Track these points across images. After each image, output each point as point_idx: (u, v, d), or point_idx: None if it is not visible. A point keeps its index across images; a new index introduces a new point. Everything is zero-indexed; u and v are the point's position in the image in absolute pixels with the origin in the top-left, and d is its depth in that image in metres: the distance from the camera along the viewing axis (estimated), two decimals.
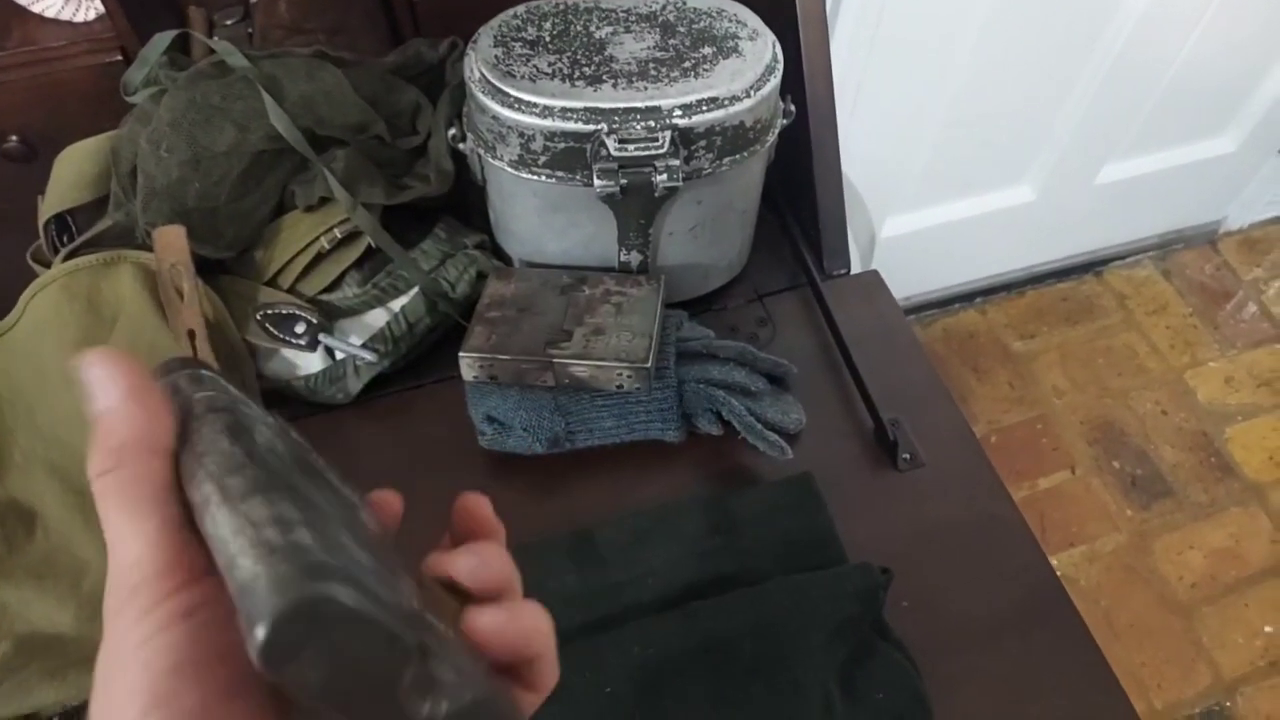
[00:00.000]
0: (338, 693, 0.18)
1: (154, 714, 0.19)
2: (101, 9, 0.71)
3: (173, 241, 0.60)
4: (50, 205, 0.65)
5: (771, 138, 0.68)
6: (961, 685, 0.57)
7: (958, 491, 0.66)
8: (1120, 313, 1.70)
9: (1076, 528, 1.44)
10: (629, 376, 0.61)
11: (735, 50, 0.65)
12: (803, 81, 0.72)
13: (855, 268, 0.80)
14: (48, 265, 0.65)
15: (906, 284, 1.61)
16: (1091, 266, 1.75)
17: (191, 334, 0.60)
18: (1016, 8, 1.16)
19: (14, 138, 0.72)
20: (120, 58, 0.72)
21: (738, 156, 0.65)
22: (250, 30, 0.77)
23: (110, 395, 0.23)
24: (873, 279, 0.78)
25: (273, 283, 0.65)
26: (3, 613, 0.58)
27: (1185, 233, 1.78)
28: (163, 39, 0.68)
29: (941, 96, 1.25)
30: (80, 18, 0.73)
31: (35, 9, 0.73)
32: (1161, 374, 1.61)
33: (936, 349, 1.63)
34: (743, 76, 0.63)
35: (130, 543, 0.22)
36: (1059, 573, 1.42)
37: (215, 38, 0.74)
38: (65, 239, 0.65)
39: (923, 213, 1.47)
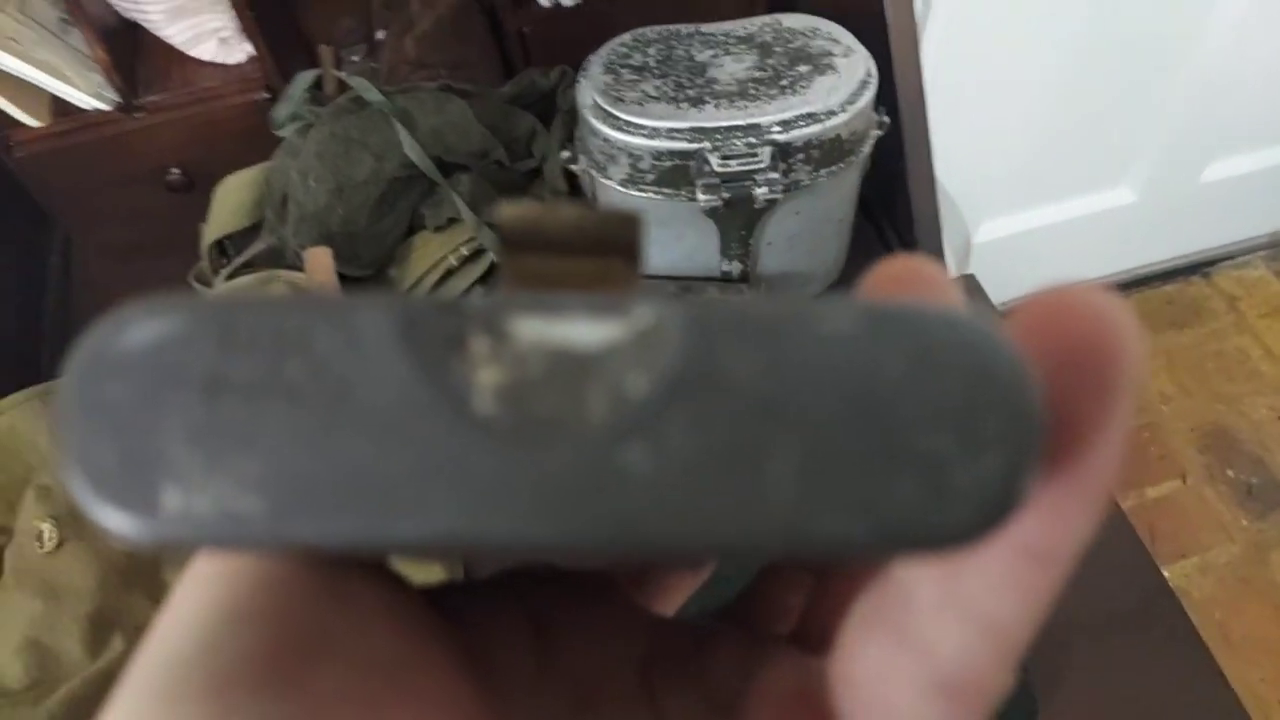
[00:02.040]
0: None
1: None
2: (250, 50, 0.79)
3: (321, 262, 0.67)
4: (213, 230, 0.73)
5: (866, 149, 0.71)
6: (1068, 679, 0.58)
7: None
8: (1231, 315, 1.64)
9: (1188, 538, 1.40)
10: None
11: (830, 67, 0.68)
12: (895, 93, 0.75)
13: (951, 273, 0.81)
14: (209, 285, 0.72)
15: (1004, 289, 1.60)
16: (1199, 268, 1.70)
17: None
18: (1111, 1, 1.15)
19: (176, 170, 0.80)
20: (266, 95, 0.79)
21: (834, 168, 0.68)
22: (375, 65, 0.84)
23: None
24: (969, 283, 0.80)
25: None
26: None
27: None
28: (304, 78, 0.75)
29: (1036, 97, 1.25)
30: (232, 60, 0.81)
31: (193, 53, 0.81)
32: (1276, 379, 1.56)
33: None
34: (838, 92, 0.66)
35: None
36: (1171, 584, 1.37)
37: (347, 73, 0.81)
38: (224, 261, 0.73)
39: (1020, 216, 1.45)
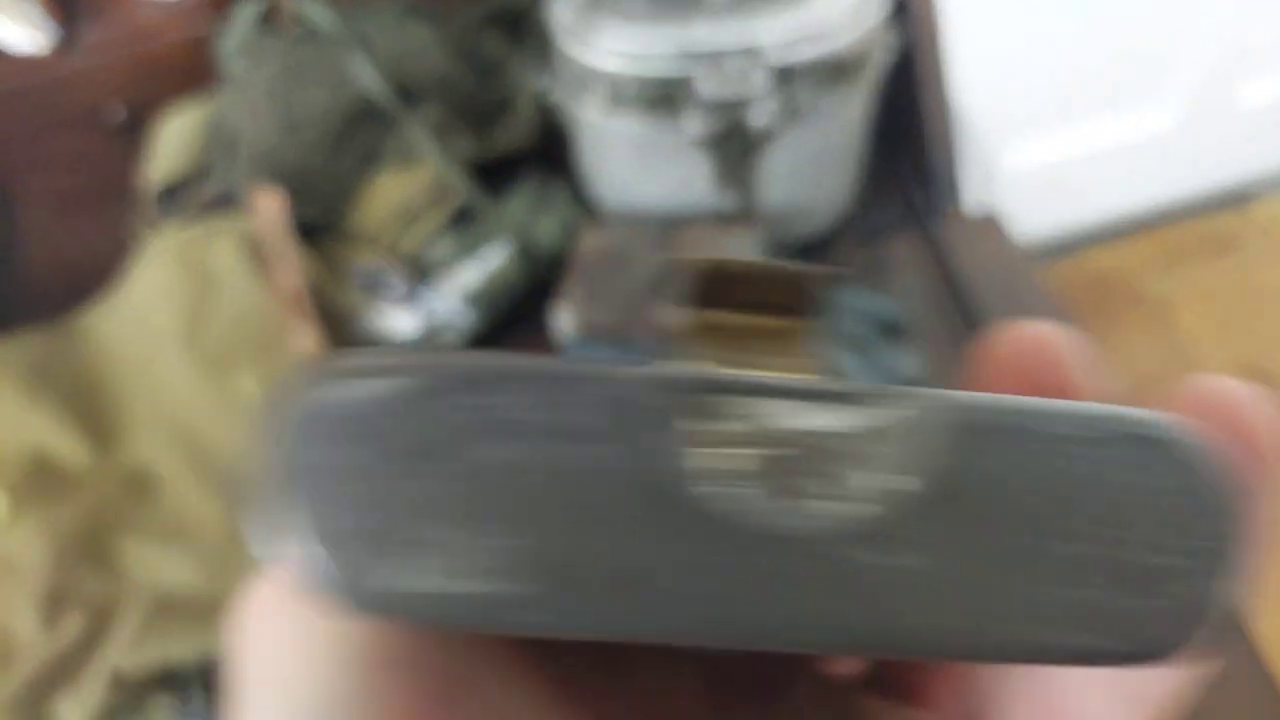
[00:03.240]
0: None
1: None
2: None
3: (272, 206, 0.61)
4: (155, 176, 0.68)
5: (875, 71, 0.64)
6: None
7: None
8: (1269, 249, 1.56)
9: None
10: None
11: None
12: (909, 9, 0.68)
13: (973, 204, 0.75)
14: (155, 234, 0.67)
15: (1031, 221, 1.53)
16: (1235, 199, 1.62)
17: (293, 295, 0.61)
18: None
19: (119, 110, 0.74)
20: (214, 29, 0.73)
21: (839, 92, 0.61)
22: None
23: None
24: (991, 217, 0.74)
25: (369, 243, 0.66)
26: (138, 570, 0.61)
27: None
28: (250, 6, 0.68)
29: (1064, 11, 1.17)
30: None
31: None
32: None
33: (1064, 291, 1.54)
34: (841, 4, 0.59)
35: None
36: None
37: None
38: (170, 208, 0.67)
39: (1048, 143, 1.38)
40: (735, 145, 0.62)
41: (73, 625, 0.57)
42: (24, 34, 0.70)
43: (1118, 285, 1.55)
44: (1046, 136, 1.37)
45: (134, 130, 0.71)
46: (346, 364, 0.11)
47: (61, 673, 0.56)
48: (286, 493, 0.11)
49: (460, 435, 0.11)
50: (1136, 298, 1.53)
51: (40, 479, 0.61)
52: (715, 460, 0.11)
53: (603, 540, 0.11)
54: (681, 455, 0.11)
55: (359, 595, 0.11)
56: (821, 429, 0.11)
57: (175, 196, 0.67)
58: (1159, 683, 0.13)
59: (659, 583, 0.11)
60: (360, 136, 0.64)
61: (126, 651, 0.57)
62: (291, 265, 0.62)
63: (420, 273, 0.65)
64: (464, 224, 0.66)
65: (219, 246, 0.63)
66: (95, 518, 0.61)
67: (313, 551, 0.11)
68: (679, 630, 0.11)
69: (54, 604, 0.58)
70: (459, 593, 0.11)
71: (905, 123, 0.74)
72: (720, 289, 0.14)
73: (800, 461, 0.11)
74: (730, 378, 0.12)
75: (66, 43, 0.72)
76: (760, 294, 0.14)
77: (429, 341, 0.66)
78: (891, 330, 0.65)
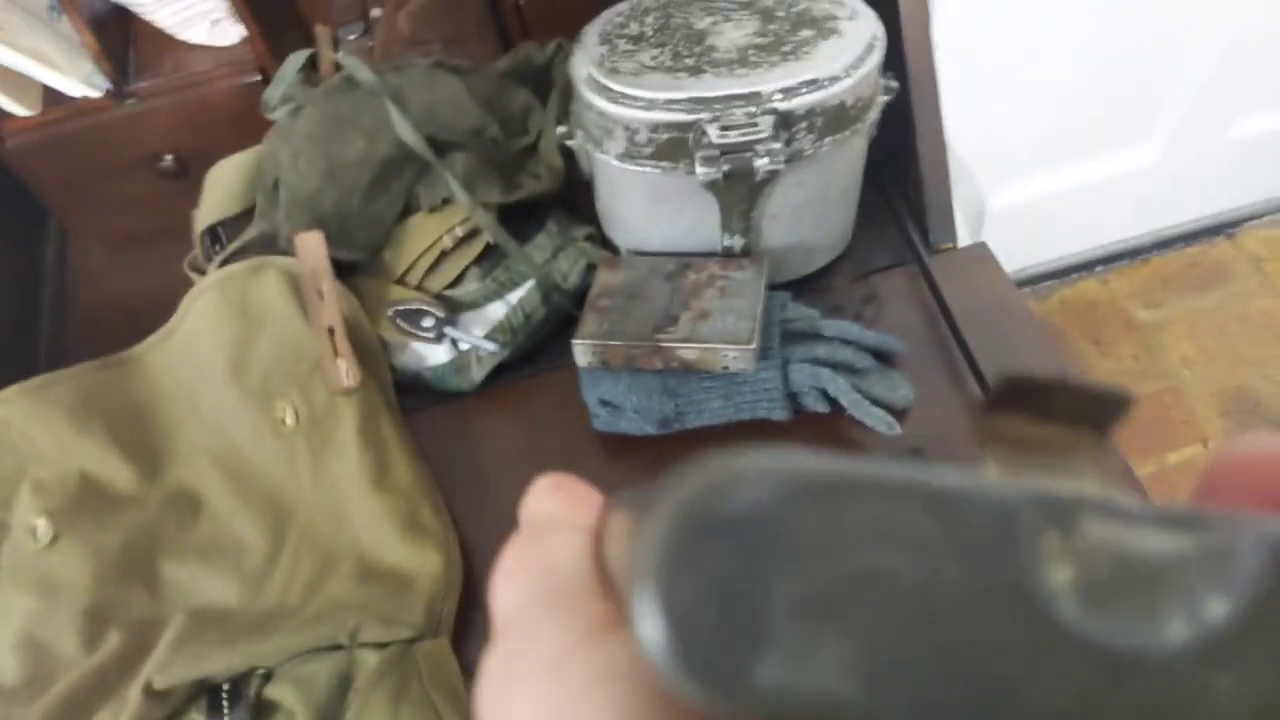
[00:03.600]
0: None
1: None
2: (243, 32, 0.77)
3: (312, 247, 0.65)
4: (203, 218, 0.72)
5: (873, 115, 0.68)
6: None
7: None
8: (1256, 277, 1.60)
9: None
10: (734, 358, 0.63)
11: (835, 31, 0.65)
12: (904, 56, 0.72)
13: (964, 241, 0.79)
14: (203, 272, 0.71)
15: (1022, 255, 1.57)
16: (1223, 229, 1.66)
17: (331, 331, 0.65)
18: None
19: (168, 157, 0.79)
20: (259, 78, 0.78)
21: (839, 136, 0.66)
22: (372, 44, 0.82)
23: None
24: (981, 251, 0.78)
25: (401, 281, 0.70)
26: (177, 589, 0.63)
27: None
28: (296, 58, 0.73)
29: (1054, 54, 1.21)
30: (224, 42, 0.80)
31: (183, 36, 0.80)
32: None
33: (1055, 321, 1.58)
34: (842, 57, 0.63)
35: None
36: None
37: (341, 53, 0.79)
38: (217, 248, 0.72)
39: (1038, 180, 1.42)
40: (741, 188, 0.66)
41: (113, 642, 0.58)
42: (79, 84, 0.75)
43: (1108, 313, 1.59)
44: (1040, 172, 1.41)
45: (185, 174, 0.75)
46: (731, 466, 0.12)
47: (100, 688, 0.57)
48: (663, 586, 0.11)
49: (842, 542, 0.11)
50: (1127, 324, 1.56)
51: (84, 503, 0.63)
52: (1078, 578, 0.12)
53: (972, 647, 0.11)
54: (1051, 573, 0.12)
55: (736, 688, 0.11)
56: (1165, 552, 0.12)
57: (223, 237, 0.72)
58: None
59: (1020, 694, 0.11)
60: (396, 182, 0.69)
61: (165, 667, 0.58)
62: (331, 302, 0.66)
63: (450, 308, 0.69)
64: (491, 263, 0.70)
65: (263, 284, 0.67)
66: (138, 539, 0.63)
67: (691, 643, 0.11)
68: None
69: (94, 622, 0.59)
70: (835, 691, 0.11)
71: (900, 162, 0.78)
72: (1025, 399, 0.14)
73: (1145, 581, 0.12)
74: (1102, 500, 0.12)
75: (121, 91, 0.77)
76: (1060, 406, 0.14)
77: (457, 370, 0.70)
78: (885, 360, 0.69)
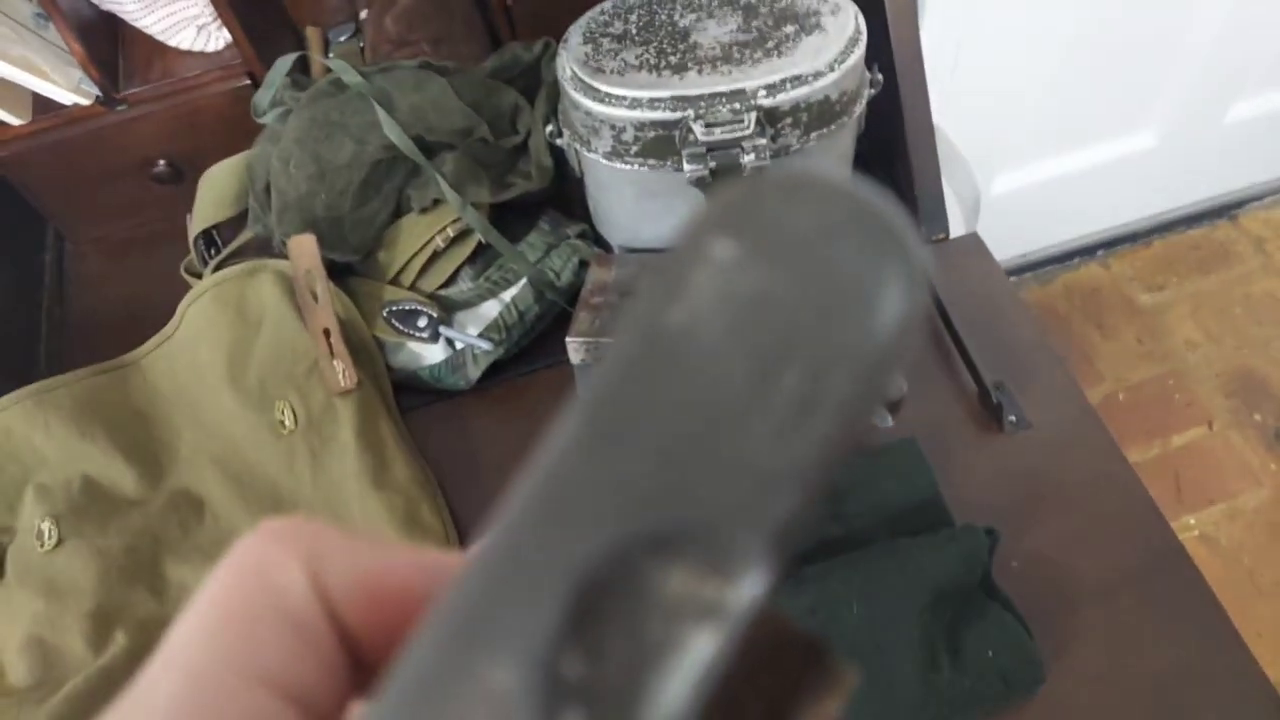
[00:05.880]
0: None
1: None
2: (229, 38, 0.78)
3: (306, 249, 0.66)
4: (197, 222, 0.73)
5: (859, 109, 0.68)
6: (1074, 643, 0.57)
7: (1068, 453, 0.65)
8: (1259, 258, 1.60)
9: (1216, 485, 1.37)
10: None
11: (818, 26, 0.66)
12: (890, 47, 0.72)
13: (959, 230, 0.79)
14: (199, 276, 0.72)
15: (1024, 240, 1.57)
16: (1225, 210, 1.65)
17: (326, 332, 0.66)
18: None
19: (161, 162, 0.80)
20: (249, 82, 0.78)
21: (825, 131, 0.66)
22: (362, 45, 0.83)
23: None
24: (972, 242, 0.78)
25: (395, 282, 0.71)
26: (181, 590, 0.64)
27: None
28: (284, 62, 0.74)
29: (1051, 39, 1.20)
30: (212, 47, 0.80)
31: (171, 42, 0.80)
32: None
33: (1057, 306, 1.57)
34: (825, 52, 0.64)
35: None
36: (1197, 532, 1.36)
37: (331, 55, 0.80)
38: (212, 252, 0.72)
39: (1039, 165, 1.42)
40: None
41: (119, 643, 0.59)
42: (68, 91, 0.76)
43: (1111, 297, 1.59)
44: (1041, 157, 1.41)
45: (179, 179, 0.76)
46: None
47: (107, 689, 0.58)
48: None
49: None
50: (1130, 308, 1.56)
51: (88, 506, 0.64)
52: None
53: None
54: None
55: None
56: None
57: (218, 240, 0.72)
58: None
59: None
60: (387, 183, 0.69)
61: None
62: (325, 304, 0.67)
63: (444, 308, 0.70)
64: (483, 262, 0.70)
65: (258, 287, 0.68)
66: (142, 541, 0.64)
67: None
68: None
69: (101, 623, 0.60)
70: None
71: (890, 154, 0.79)
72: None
73: None
74: None
75: (111, 97, 0.77)
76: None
77: (453, 369, 0.71)
78: None
